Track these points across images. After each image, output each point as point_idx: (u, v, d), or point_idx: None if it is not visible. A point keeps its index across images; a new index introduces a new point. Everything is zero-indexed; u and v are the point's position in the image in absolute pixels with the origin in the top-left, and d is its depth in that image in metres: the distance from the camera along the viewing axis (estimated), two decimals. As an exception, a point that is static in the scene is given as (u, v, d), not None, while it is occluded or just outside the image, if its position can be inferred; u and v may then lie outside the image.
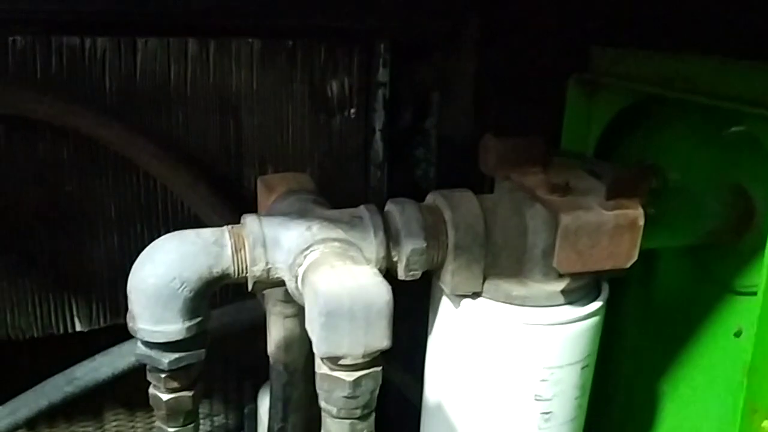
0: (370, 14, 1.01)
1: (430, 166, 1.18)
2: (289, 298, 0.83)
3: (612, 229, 0.66)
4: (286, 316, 0.84)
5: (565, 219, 0.65)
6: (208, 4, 0.91)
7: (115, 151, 0.92)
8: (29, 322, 0.96)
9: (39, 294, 0.96)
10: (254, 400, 1.17)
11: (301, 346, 0.87)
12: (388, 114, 1.06)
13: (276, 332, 0.86)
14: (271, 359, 0.88)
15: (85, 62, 0.88)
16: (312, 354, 0.89)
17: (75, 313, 0.99)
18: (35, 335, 0.97)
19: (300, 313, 0.84)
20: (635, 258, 0.68)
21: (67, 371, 0.93)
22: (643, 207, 0.67)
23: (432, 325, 0.78)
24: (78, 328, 0.99)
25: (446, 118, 1.16)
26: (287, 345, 0.86)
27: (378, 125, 1.06)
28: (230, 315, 0.99)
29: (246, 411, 1.21)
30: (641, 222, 0.67)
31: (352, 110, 1.05)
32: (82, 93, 0.89)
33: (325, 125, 1.04)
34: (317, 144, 1.04)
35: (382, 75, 1.03)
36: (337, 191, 1.01)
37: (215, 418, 1.22)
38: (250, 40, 0.95)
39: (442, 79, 1.13)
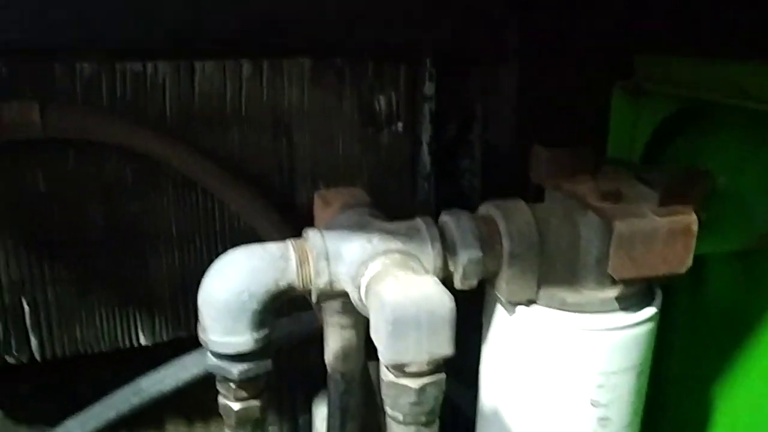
0: (415, 29, 1.03)
1: (476, 177, 1.19)
2: (346, 309, 0.86)
3: (666, 234, 0.67)
4: (344, 327, 0.87)
5: (620, 226, 0.66)
6: (261, 25, 0.95)
7: (175, 170, 0.96)
8: (97, 337, 1.01)
9: (105, 310, 1.00)
10: (308, 411, 1.20)
11: (358, 355, 0.89)
12: (435, 127, 1.09)
13: (333, 342, 0.88)
14: (328, 369, 0.91)
15: (147, 86, 0.93)
16: (368, 363, 0.93)
17: (139, 327, 1.02)
18: (103, 349, 1.02)
19: (357, 324, 0.87)
20: (690, 263, 0.68)
21: (133, 383, 0.97)
22: (696, 212, 0.68)
23: (486, 334, 0.80)
24: (142, 342, 1.03)
25: (490, 130, 1.17)
26: (345, 355, 0.88)
27: (425, 138, 1.08)
28: (286, 327, 1.02)
29: (300, 422, 1.23)
30: (695, 227, 0.67)
31: (400, 124, 1.07)
32: (145, 115, 0.93)
33: (374, 139, 1.07)
34: (366, 158, 1.07)
35: (428, 89, 1.05)
36: (386, 203, 1.03)
37: (270, 428, 1.24)
38: (300, 59, 0.99)
39: (485, 90, 1.15)
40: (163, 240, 1.00)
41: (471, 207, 0.75)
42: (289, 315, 1.03)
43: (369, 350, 0.88)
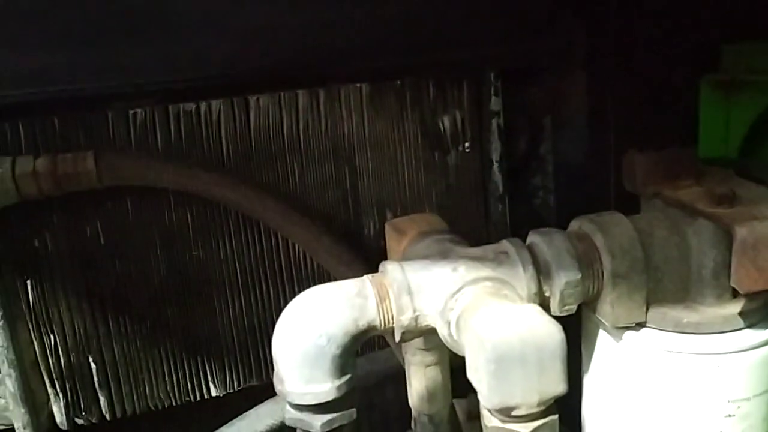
0: (477, 44, 0.98)
1: (549, 193, 1.12)
2: (429, 346, 0.79)
3: (796, 238, 0.59)
4: (427, 365, 0.80)
5: (742, 232, 0.58)
6: (316, 55, 0.90)
7: (235, 210, 0.91)
8: (167, 391, 0.97)
9: (174, 362, 0.97)
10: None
11: (444, 395, 0.83)
12: (504, 144, 1.02)
13: (417, 382, 0.81)
14: (413, 411, 0.84)
15: (201, 126, 0.90)
16: (453, 402, 0.85)
17: (209, 378, 0.98)
18: (173, 404, 0.98)
19: (441, 361, 0.80)
20: (825, 268, 0.60)
21: (208, 438, 0.93)
22: (827, 209, 0.59)
23: (589, 364, 0.72)
24: (213, 393, 0.99)
25: (561, 142, 1.10)
26: (430, 395, 0.81)
27: (495, 156, 1.02)
28: (363, 367, 0.96)
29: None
30: (829, 226, 0.59)
31: (467, 144, 1.01)
32: (202, 155, 0.90)
33: (441, 162, 1.01)
34: (434, 182, 1.01)
35: (495, 104, 0.99)
36: (457, 228, 0.96)
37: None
38: (358, 85, 0.94)
39: (554, 102, 1.08)
40: (228, 285, 0.96)
41: (547, 226, 0.68)
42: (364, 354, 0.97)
43: (454, 387, 0.81)
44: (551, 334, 0.51)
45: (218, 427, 0.93)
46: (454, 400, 0.87)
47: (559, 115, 1.09)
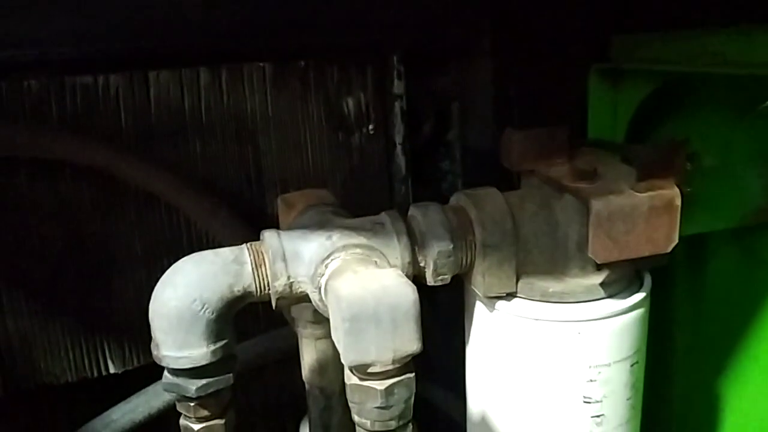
0: (381, 28, 1.00)
1: (457, 177, 1.15)
2: (318, 319, 0.81)
3: (647, 211, 0.62)
4: (318, 338, 0.82)
5: (596, 205, 0.62)
6: (218, 32, 0.91)
7: (136, 186, 0.91)
8: (63, 367, 0.95)
9: (70, 337, 0.95)
10: (297, 433, 1.14)
11: (335, 367, 0.84)
12: (408, 127, 1.04)
13: (309, 355, 0.83)
14: (306, 384, 0.86)
15: (99, 100, 0.89)
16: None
17: (108, 355, 0.97)
18: (69, 380, 0.96)
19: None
20: (675, 241, 0.64)
21: (104, 415, 0.92)
22: (679, 186, 0.63)
23: (468, 332, 0.75)
24: (112, 370, 0.98)
25: (469, 128, 1.13)
26: (321, 368, 0.83)
27: (398, 139, 1.04)
28: (263, 344, 0.97)
29: (290, 445, 1.17)
30: (678, 202, 0.63)
31: (371, 126, 1.03)
32: (99, 130, 0.89)
33: (345, 143, 1.02)
34: (338, 163, 1.03)
35: (398, 87, 1.01)
36: (361, 209, 0.98)
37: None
38: (261, 64, 0.95)
39: (460, 88, 1.11)
40: (128, 260, 0.95)
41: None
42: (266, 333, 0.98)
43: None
44: (405, 294, 0.54)
45: (116, 404, 0.93)
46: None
47: (466, 102, 1.12)
